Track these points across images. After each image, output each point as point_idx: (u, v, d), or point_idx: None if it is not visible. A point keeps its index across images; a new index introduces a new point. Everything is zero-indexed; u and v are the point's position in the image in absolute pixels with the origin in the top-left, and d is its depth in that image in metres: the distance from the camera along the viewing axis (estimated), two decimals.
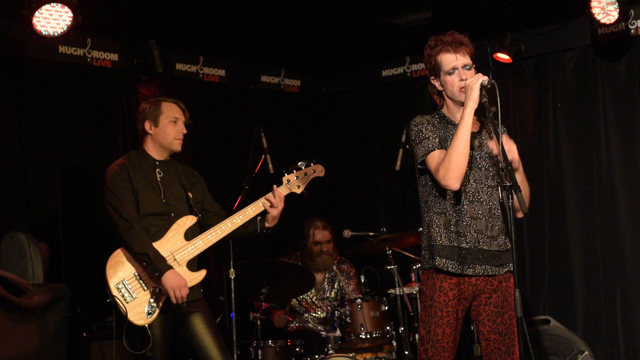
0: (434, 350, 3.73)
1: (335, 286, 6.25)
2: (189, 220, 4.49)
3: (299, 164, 4.63)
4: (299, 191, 4.60)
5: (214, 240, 4.48)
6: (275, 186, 4.53)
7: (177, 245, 4.41)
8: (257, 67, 7.16)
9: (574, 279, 6.34)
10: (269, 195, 4.52)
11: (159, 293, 4.34)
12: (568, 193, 6.38)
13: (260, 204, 4.52)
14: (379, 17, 6.20)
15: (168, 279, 4.25)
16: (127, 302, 4.30)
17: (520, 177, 3.66)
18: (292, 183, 4.58)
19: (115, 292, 4.30)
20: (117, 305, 4.29)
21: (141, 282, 4.35)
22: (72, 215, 5.75)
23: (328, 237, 6.24)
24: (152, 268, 4.28)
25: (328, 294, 6.22)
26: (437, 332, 3.73)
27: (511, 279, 3.78)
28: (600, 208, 6.24)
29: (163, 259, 4.30)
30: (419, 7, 6.10)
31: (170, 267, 4.29)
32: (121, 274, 4.35)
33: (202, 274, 4.45)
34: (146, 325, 4.29)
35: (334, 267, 6.28)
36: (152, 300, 4.32)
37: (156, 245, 4.37)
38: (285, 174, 4.60)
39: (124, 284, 4.34)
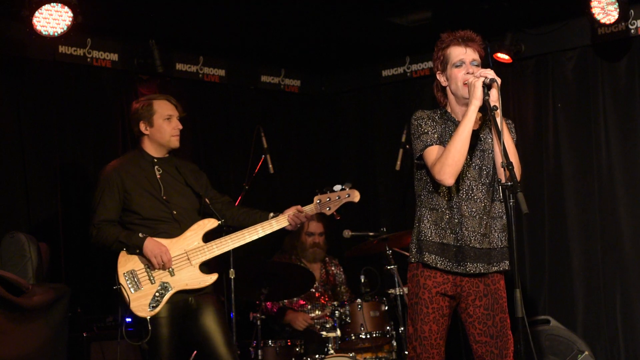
0: (422, 347, 3.74)
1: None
2: (210, 223, 4.51)
3: (335, 186, 4.58)
4: (328, 213, 4.57)
5: (231, 247, 4.50)
6: (306, 212, 4.52)
7: (193, 245, 4.44)
8: (257, 67, 7.15)
9: (574, 279, 6.33)
10: (297, 216, 4.50)
11: (166, 288, 4.34)
12: (568, 193, 6.37)
13: (284, 219, 4.51)
14: (379, 17, 6.20)
15: (148, 247, 4.29)
16: (133, 292, 4.31)
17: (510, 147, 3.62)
18: (323, 204, 4.56)
19: (122, 280, 4.32)
20: (122, 294, 4.29)
21: (150, 275, 4.36)
22: (72, 215, 5.74)
23: (321, 230, 6.24)
24: (131, 249, 4.32)
25: (332, 282, 6.23)
26: (424, 329, 3.74)
27: (501, 281, 3.79)
28: (600, 208, 6.23)
29: (136, 234, 4.31)
30: (419, 7, 6.10)
31: (147, 237, 4.29)
32: (132, 263, 4.38)
33: (213, 277, 4.46)
34: (147, 318, 4.29)
35: (327, 260, 6.30)
36: (157, 294, 4.33)
37: (172, 241, 4.40)
38: (318, 194, 4.57)
39: (132, 274, 4.36)
